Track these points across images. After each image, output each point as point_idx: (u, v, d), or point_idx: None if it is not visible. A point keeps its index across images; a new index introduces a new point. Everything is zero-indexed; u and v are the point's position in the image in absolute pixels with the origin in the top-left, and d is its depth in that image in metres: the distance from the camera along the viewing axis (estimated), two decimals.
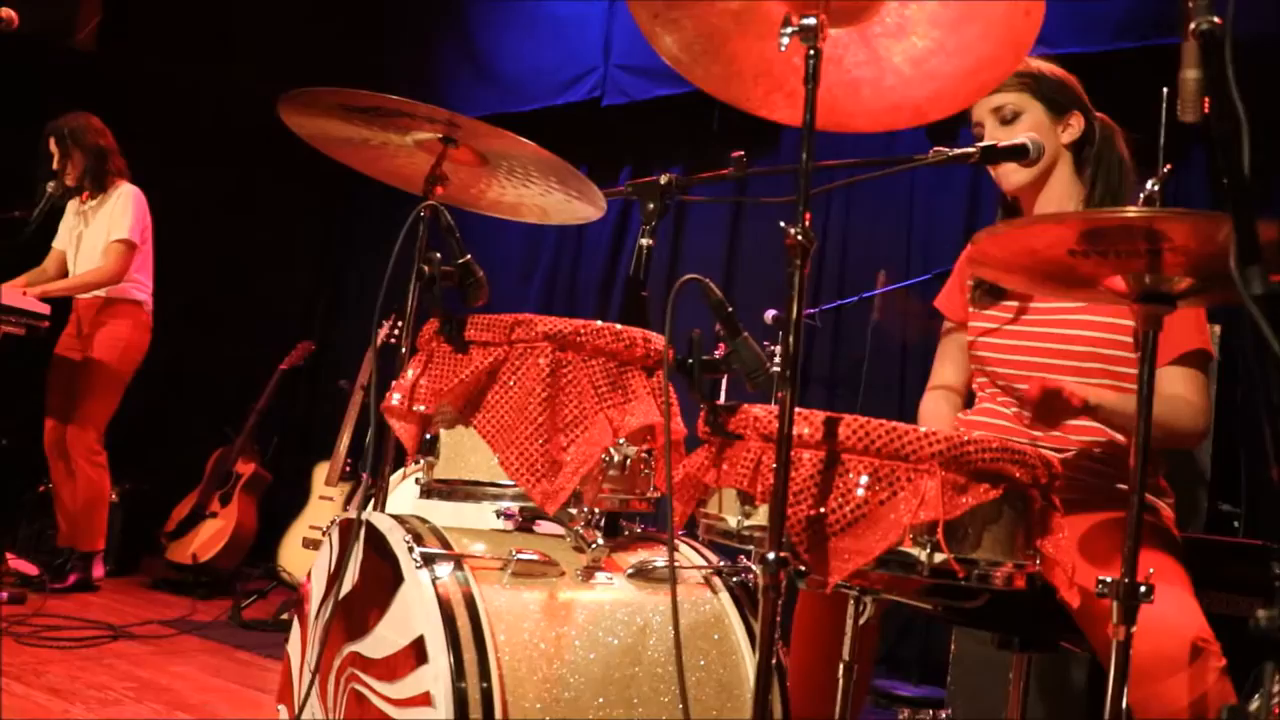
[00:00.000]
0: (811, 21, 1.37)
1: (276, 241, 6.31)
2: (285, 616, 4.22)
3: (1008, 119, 2.12)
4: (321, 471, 4.68)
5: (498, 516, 3.10)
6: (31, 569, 4.47)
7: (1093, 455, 2.05)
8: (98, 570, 4.59)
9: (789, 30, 1.39)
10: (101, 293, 4.58)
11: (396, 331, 4.70)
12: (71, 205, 4.74)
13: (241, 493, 4.91)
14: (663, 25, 1.54)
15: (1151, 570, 1.46)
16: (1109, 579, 1.44)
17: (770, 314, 4.31)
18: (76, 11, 5.71)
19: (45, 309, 4.12)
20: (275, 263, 6.29)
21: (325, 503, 4.59)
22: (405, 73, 5.80)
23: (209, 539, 4.80)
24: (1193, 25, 1.19)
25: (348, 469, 4.61)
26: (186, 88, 5.88)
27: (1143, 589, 1.42)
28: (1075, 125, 2.13)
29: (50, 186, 4.48)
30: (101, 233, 4.58)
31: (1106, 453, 2.04)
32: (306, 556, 4.50)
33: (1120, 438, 2.02)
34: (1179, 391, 1.98)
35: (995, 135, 2.11)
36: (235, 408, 5.20)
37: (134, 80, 5.70)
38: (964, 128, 2.25)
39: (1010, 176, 2.15)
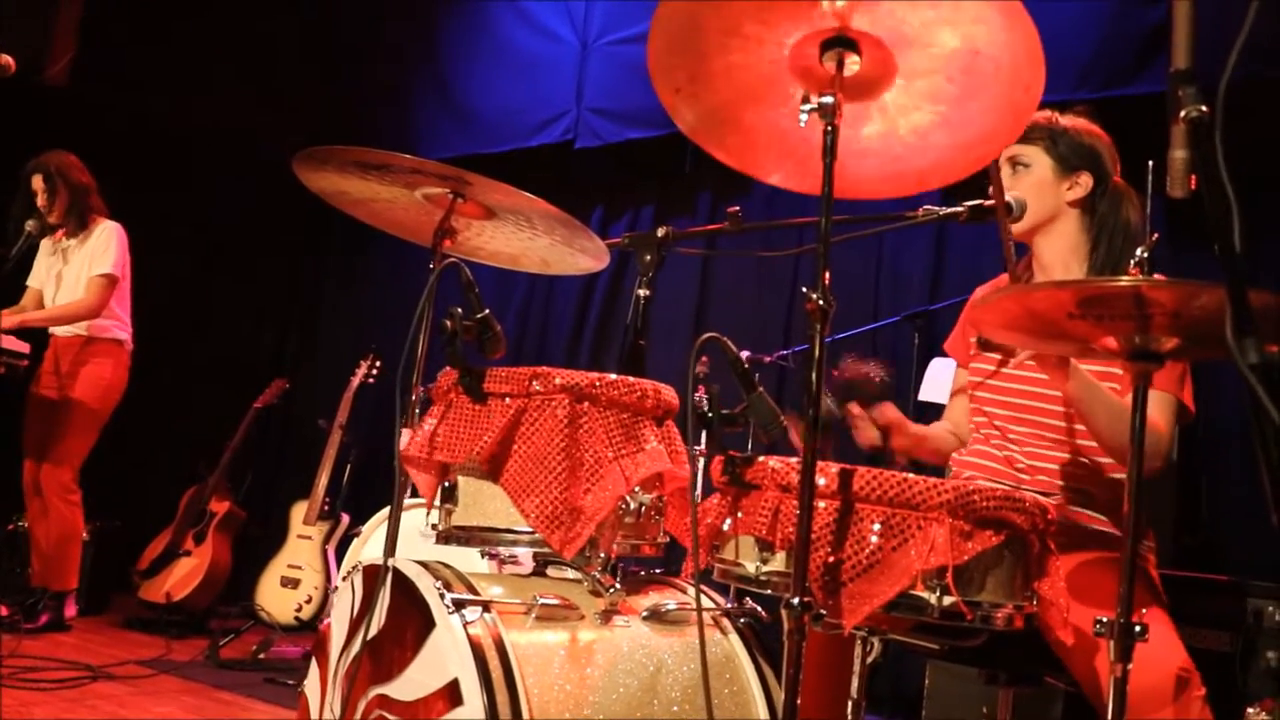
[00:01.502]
0: (829, 100, 1.47)
1: (248, 279, 6.33)
2: (263, 656, 4.23)
3: (1018, 168, 2.25)
4: (299, 510, 4.70)
5: (482, 557, 3.16)
6: (2, 609, 4.44)
7: (1078, 498, 2.16)
8: (70, 610, 4.57)
9: (808, 107, 1.49)
10: (83, 332, 4.58)
11: (374, 373, 4.75)
12: (45, 244, 4.74)
13: (216, 531, 4.91)
14: (684, 99, 1.64)
15: (1144, 610, 1.56)
16: (1105, 619, 1.53)
17: (744, 354, 4.41)
18: (50, 46, 5.72)
19: (25, 348, 4.12)
20: (247, 300, 6.32)
21: (304, 541, 4.61)
22: (379, 113, 5.87)
23: (183, 578, 4.79)
24: (1183, 113, 1.30)
25: (326, 508, 4.63)
26: (158, 123, 5.90)
27: (1138, 628, 1.52)
28: (1082, 185, 2.23)
29: (30, 225, 4.49)
30: (83, 269, 4.59)
31: (1091, 495, 2.14)
32: (284, 595, 4.51)
33: (1105, 481, 2.13)
34: (1150, 415, 2.06)
35: (1006, 180, 2.23)
36: (209, 445, 5.21)
37: (106, 116, 5.71)
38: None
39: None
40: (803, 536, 1.43)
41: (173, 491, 5.14)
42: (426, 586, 1.67)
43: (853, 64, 1.52)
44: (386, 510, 3.35)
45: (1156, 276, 1.58)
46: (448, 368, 1.92)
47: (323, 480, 4.62)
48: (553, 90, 5.45)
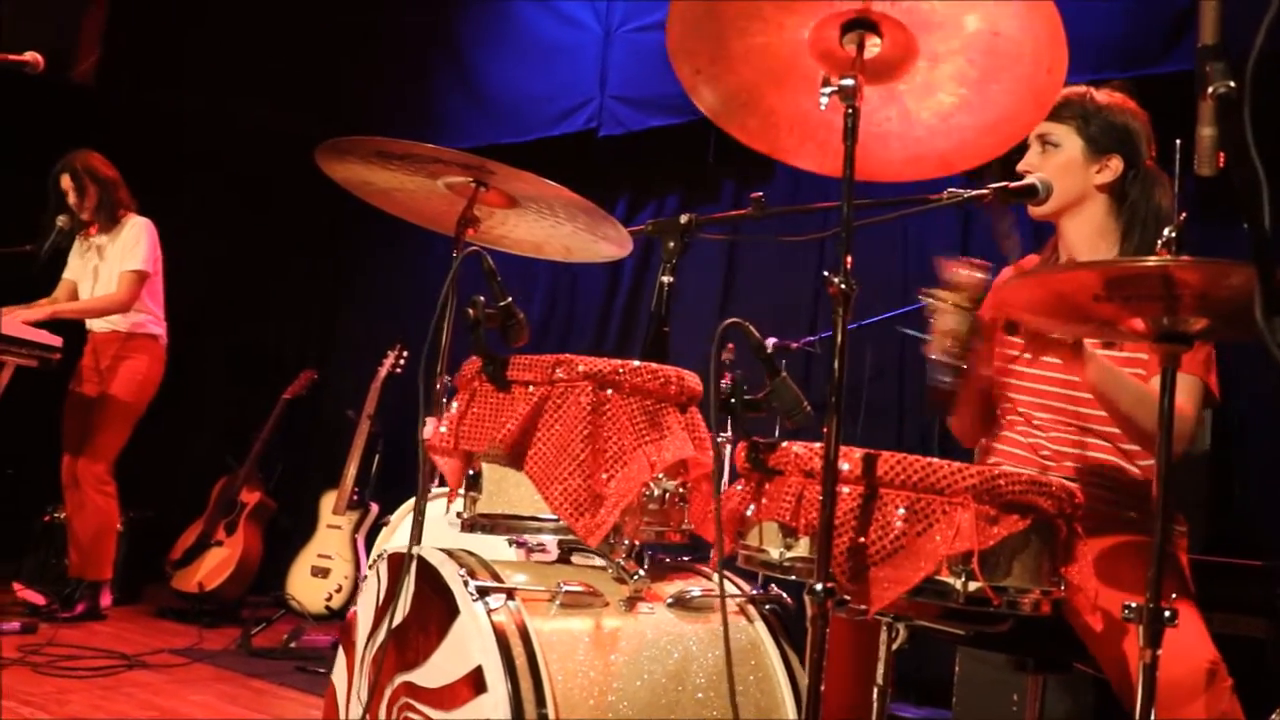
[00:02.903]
0: (850, 82, 1.46)
1: (276, 272, 6.38)
2: (294, 645, 4.27)
3: (1048, 146, 2.20)
4: (328, 500, 4.74)
5: (510, 545, 3.17)
6: (39, 599, 4.51)
7: (1103, 484, 2.14)
8: (105, 599, 4.63)
9: (829, 90, 1.48)
10: (120, 327, 4.65)
11: (401, 363, 4.77)
12: (79, 241, 4.80)
13: (247, 521, 4.96)
14: (705, 80, 1.63)
15: (1175, 595, 1.54)
16: (1134, 604, 1.52)
17: (770, 342, 4.41)
18: (76, 46, 5.77)
19: (57, 341, 4.16)
20: (276, 294, 6.36)
21: (333, 531, 4.64)
22: (402, 103, 5.88)
23: (215, 567, 4.84)
24: (1210, 89, 1.28)
25: (355, 498, 4.66)
26: (184, 121, 5.95)
27: (1167, 614, 1.50)
28: (1111, 169, 2.17)
29: (61, 221, 4.56)
30: (116, 264, 4.65)
31: (1117, 481, 2.12)
32: (315, 585, 4.55)
33: (1131, 468, 2.11)
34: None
35: (1034, 159, 2.19)
36: (239, 437, 5.26)
37: (133, 113, 5.76)
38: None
39: (1030, 209, 2.22)
40: (825, 521, 1.42)
41: (205, 482, 5.19)
42: (450, 574, 1.68)
43: (874, 46, 1.51)
44: (407, 504, 3.36)
45: (1184, 258, 1.56)
46: (472, 356, 1.92)
47: (351, 470, 4.65)
48: (576, 78, 5.44)
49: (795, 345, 4.45)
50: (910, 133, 1.67)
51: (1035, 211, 2.21)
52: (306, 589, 4.55)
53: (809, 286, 4.90)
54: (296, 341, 6.48)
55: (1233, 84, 1.27)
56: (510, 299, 1.94)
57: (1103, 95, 2.21)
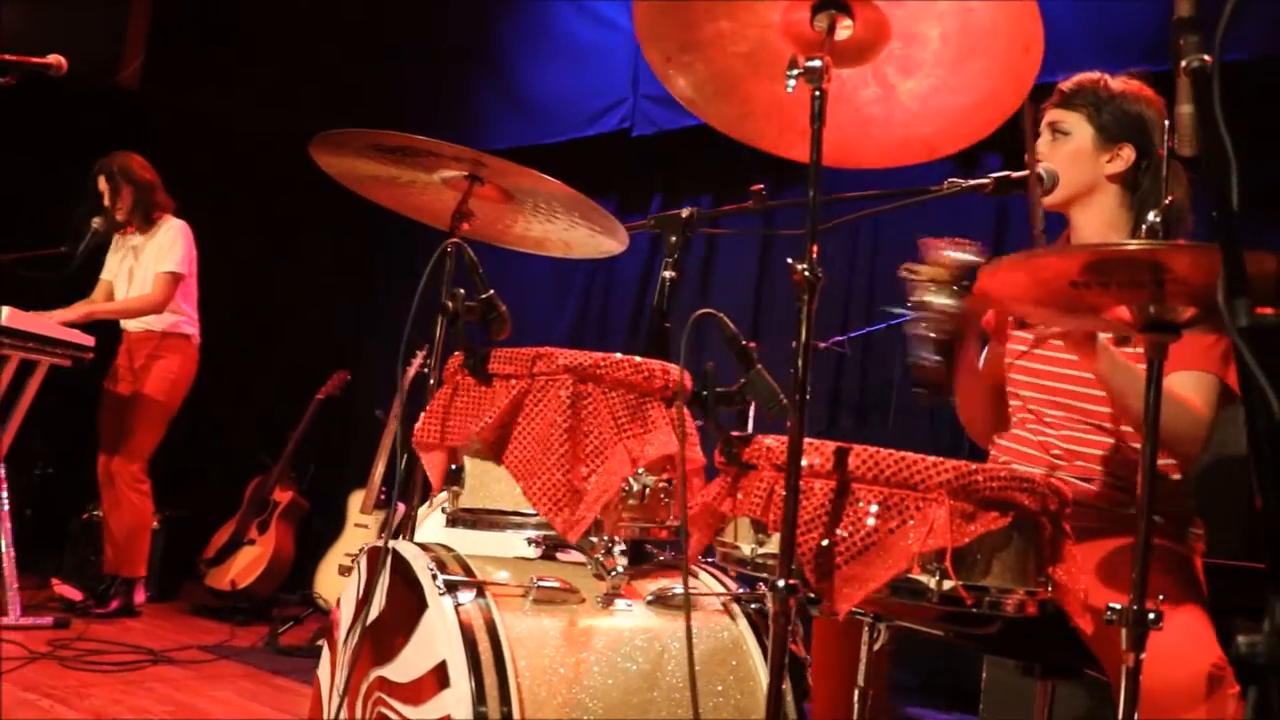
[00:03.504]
0: (816, 64, 1.42)
1: (312, 273, 6.44)
2: (320, 643, 4.28)
3: (1059, 134, 2.12)
4: (357, 499, 4.76)
5: (529, 545, 3.15)
6: (76, 594, 4.58)
7: (1118, 483, 2.06)
8: (139, 596, 4.69)
9: (795, 72, 1.43)
10: (156, 327, 4.72)
11: (429, 364, 4.78)
12: (116, 240, 4.87)
13: (279, 520, 5.00)
14: (676, 68, 1.60)
15: (1162, 597, 1.47)
16: (1118, 606, 1.45)
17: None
18: (121, 50, 5.88)
19: (89, 340, 4.23)
20: (311, 294, 6.42)
21: (360, 530, 4.66)
22: (438, 106, 5.91)
23: (247, 566, 4.88)
24: (1184, 63, 1.22)
25: (383, 497, 4.68)
26: (225, 124, 6.03)
27: (1151, 615, 1.43)
28: (1123, 158, 2.09)
29: (96, 222, 4.63)
30: (150, 266, 4.72)
31: (1132, 481, 2.05)
32: (342, 583, 4.55)
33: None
34: (1185, 395, 1.94)
35: (1043, 147, 2.12)
36: (273, 437, 5.30)
37: (176, 117, 5.85)
38: (991, 154, 2.25)
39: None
40: (789, 517, 1.38)
41: (239, 482, 5.25)
42: (421, 568, 1.66)
43: (845, 28, 1.47)
44: (439, 498, 3.35)
45: (1173, 241, 1.49)
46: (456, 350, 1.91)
47: (379, 470, 4.66)
48: (609, 79, 5.42)
49: (823, 345, 4.39)
50: (891, 117, 1.62)
51: (1044, 201, 2.14)
52: (334, 587, 4.57)
53: (839, 286, 4.83)
54: (330, 342, 6.53)
55: (1206, 58, 1.21)
56: (492, 291, 1.92)
57: (1117, 82, 2.13)
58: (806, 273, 1.40)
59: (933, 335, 1.80)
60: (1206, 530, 2.14)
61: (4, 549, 4.14)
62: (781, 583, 1.37)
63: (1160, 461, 2.04)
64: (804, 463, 1.46)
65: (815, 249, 1.42)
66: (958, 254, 1.77)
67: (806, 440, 1.46)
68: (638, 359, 1.83)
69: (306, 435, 5.18)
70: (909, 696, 4.20)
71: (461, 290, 1.89)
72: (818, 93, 1.43)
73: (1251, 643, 0.86)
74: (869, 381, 4.69)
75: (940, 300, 1.79)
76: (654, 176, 5.57)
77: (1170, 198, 1.64)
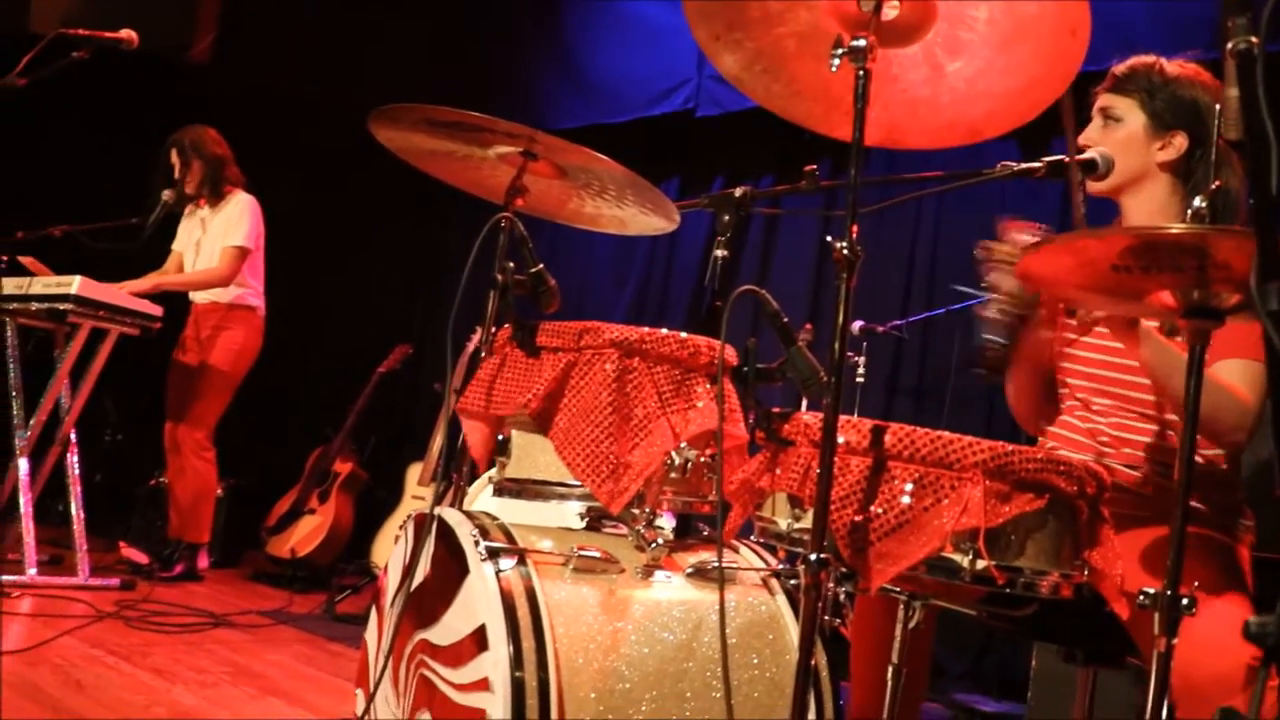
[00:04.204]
0: (861, 43, 1.42)
1: (381, 250, 6.53)
2: None
3: (1110, 120, 2.10)
4: (415, 472, 4.84)
5: (579, 517, 3.19)
6: (142, 558, 4.71)
7: (1166, 472, 2.05)
8: (203, 561, 4.82)
9: (839, 51, 1.44)
10: (223, 299, 4.83)
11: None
12: (187, 212, 4.99)
13: (339, 491, 5.10)
14: (724, 45, 1.61)
15: (1197, 584, 1.47)
16: (1152, 590, 1.45)
17: (857, 325, 4.34)
18: (194, 27, 5.99)
19: (157, 310, 4.34)
20: (374, 269, 6.52)
21: (417, 502, 4.74)
22: (502, 85, 5.95)
23: (307, 535, 4.99)
24: (1230, 45, 1.21)
25: (440, 469, 4.75)
26: (294, 101, 6.12)
27: (1185, 601, 1.43)
28: (1175, 146, 2.06)
29: (166, 195, 4.74)
30: (219, 239, 4.82)
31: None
32: None
33: (1195, 456, 2.02)
34: (1230, 382, 1.90)
35: (1094, 133, 2.10)
36: (335, 409, 5.40)
37: (246, 93, 5.96)
38: (1056, 137, 2.20)
39: (1089, 184, 2.13)
40: (823, 492, 1.39)
41: (302, 452, 5.35)
42: (464, 535, 1.70)
43: (891, 8, 1.47)
44: (491, 472, 3.41)
45: (1218, 226, 1.48)
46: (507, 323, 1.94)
47: (437, 442, 4.74)
48: (674, 59, 5.42)
49: (882, 329, 4.38)
50: (939, 98, 1.62)
51: (1094, 187, 2.12)
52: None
53: (901, 270, 4.81)
54: (393, 316, 6.62)
55: (1253, 39, 1.20)
56: (541, 265, 1.95)
57: (1173, 67, 2.09)
58: (845, 251, 1.41)
59: (1004, 319, 1.82)
60: (1259, 524, 2.12)
61: (75, 512, 4.28)
62: (814, 556, 1.38)
63: (1208, 451, 2.03)
64: (840, 440, 1.48)
65: (855, 228, 1.43)
66: (1030, 237, 1.78)
67: (844, 418, 1.47)
68: (683, 335, 1.85)
69: (368, 408, 5.27)
70: (957, 683, 4.19)
71: (512, 264, 1.92)
72: (862, 72, 1.43)
73: (1262, 623, 0.86)
74: (927, 366, 4.66)
75: (1013, 284, 1.80)
76: (716, 158, 5.57)
77: (1218, 183, 1.61)
